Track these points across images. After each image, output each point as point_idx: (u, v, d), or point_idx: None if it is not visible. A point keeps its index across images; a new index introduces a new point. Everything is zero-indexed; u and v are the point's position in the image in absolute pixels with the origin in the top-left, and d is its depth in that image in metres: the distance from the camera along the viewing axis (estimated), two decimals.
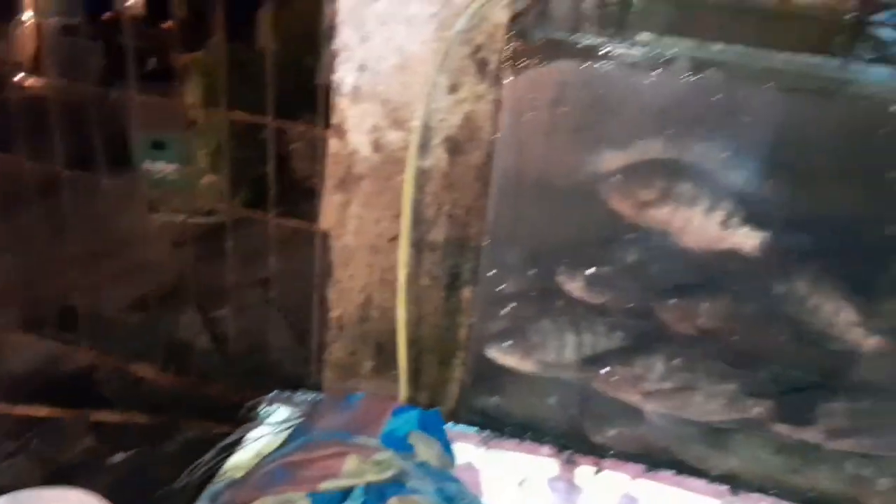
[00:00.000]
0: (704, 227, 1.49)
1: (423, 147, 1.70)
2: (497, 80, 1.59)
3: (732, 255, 1.43)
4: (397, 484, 1.27)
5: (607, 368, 1.59)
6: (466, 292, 1.87)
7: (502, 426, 1.74)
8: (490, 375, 1.81)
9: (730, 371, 1.47)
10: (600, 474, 1.60)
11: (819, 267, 1.39)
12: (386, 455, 1.39)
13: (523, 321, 1.74)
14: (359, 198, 1.81)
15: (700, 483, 1.55)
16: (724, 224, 1.47)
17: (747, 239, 1.47)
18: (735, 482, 1.55)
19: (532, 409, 1.76)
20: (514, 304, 1.72)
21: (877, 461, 1.44)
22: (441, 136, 1.69)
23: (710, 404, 1.50)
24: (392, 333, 1.90)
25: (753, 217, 1.47)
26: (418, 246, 1.82)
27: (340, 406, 1.59)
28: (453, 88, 1.63)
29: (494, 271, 1.75)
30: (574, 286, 1.58)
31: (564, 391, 1.74)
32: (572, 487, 1.55)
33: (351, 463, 1.30)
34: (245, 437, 1.62)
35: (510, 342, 1.73)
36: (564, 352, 1.72)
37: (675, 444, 1.57)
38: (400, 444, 1.50)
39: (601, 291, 1.56)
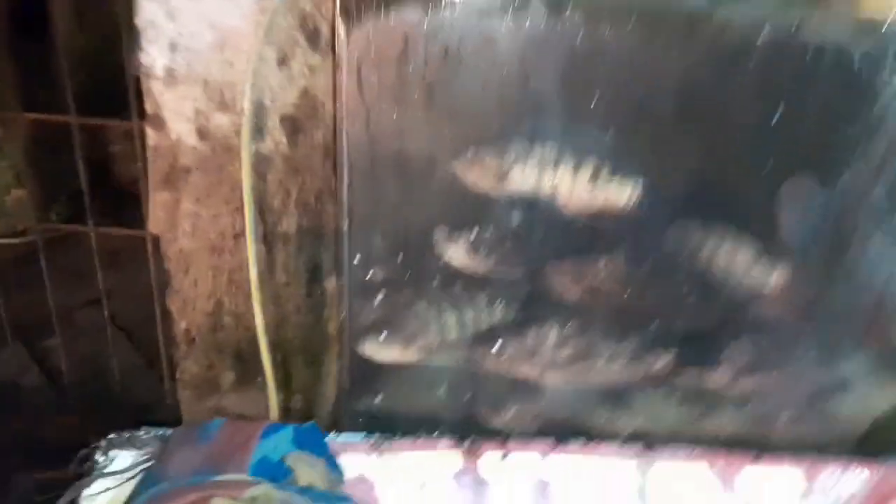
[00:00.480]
0: (575, 186, 1.38)
1: (259, 130, 1.47)
2: (331, 49, 1.39)
3: (610, 211, 1.34)
4: None
5: (497, 345, 1.46)
6: (330, 284, 1.68)
7: (392, 427, 1.57)
8: (370, 373, 1.63)
9: (627, 330, 1.39)
10: (507, 458, 1.47)
11: (704, 211, 1.33)
12: (260, 489, 1.19)
13: (398, 308, 1.57)
14: (189, 194, 1.55)
15: (612, 447, 1.47)
16: (594, 180, 1.37)
17: (620, 192, 1.38)
18: (647, 439, 1.49)
19: (422, 403, 1.60)
20: (385, 291, 1.55)
21: (777, 397, 1.43)
22: (277, 116, 1.48)
23: (611, 366, 1.42)
24: (252, 340, 1.68)
25: (622, 168, 1.38)
26: (268, 240, 1.60)
27: (196, 439, 1.35)
28: (283, 62, 1.41)
29: (359, 257, 1.57)
30: (454, 255, 1.42)
31: (454, 377, 1.59)
32: (479, 479, 1.42)
33: None
34: (79, 498, 1.34)
35: (387, 333, 1.56)
36: (448, 334, 1.57)
37: (580, 413, 1.48)
38: (276, 471, 1.29)
39: (482, 260, 1.41)
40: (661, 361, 1.41)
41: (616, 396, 1.51)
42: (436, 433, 1.54)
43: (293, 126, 1.49)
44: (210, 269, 1.65)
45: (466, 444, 1.51)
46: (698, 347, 1.36)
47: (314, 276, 1.67)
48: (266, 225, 1.58)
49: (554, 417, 1.52)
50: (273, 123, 1.47)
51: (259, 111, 1.45)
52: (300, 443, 1.33)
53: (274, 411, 1.71)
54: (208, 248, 1.62)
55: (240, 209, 1.57)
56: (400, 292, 1.62)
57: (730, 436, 1.51)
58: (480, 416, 1.57)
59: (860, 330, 1.41)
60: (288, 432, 1.34)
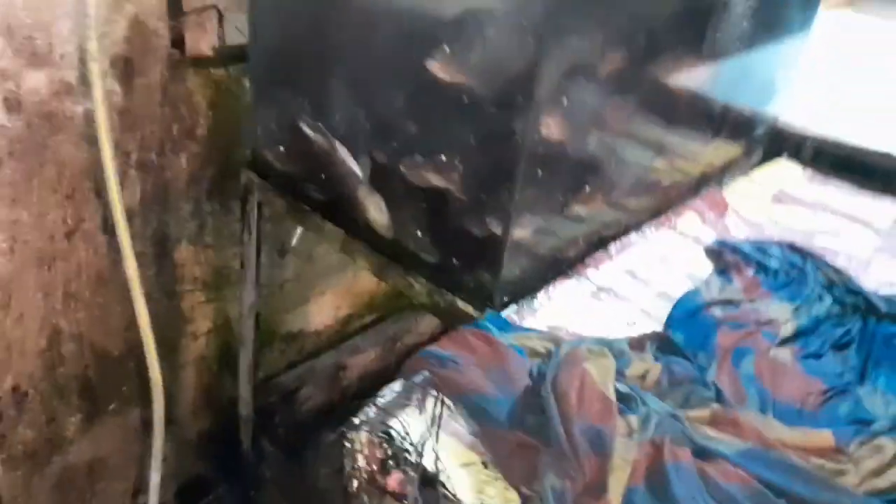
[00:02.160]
0: None
1: (84, 82, 1.16)
2: None
3: None
4: None
5: None
6: (181, 254, 1.45)
7: None
8: None
9: None
10: None
11: None
12: None
13: None
14: (1, 197, 1.14)
15: None
16: None
17: None
18: None
19: None
20: None
21: None
22: (106, 59, 1.18)
23: None
24: (102, 361, 1.38)
25: None
26: (108, 224, 1.29)
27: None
28: None
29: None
30: None
31: None
32: None
33: None
34: None
35: None
36: None
37: None
38: None
39: None
40: None
41: None
42: None
43: (126, 69, 1.21)
44: (39, 291, 1.25)
45: None
46: None
47: (163, 248, 1.41)
48: (105, 207, 1.27)
49: None
50: (102, 70, 1.17)
51: (82, 56, 1.14)
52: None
53: (160, 420, 1.44)
54: (34, 262, 1.22)
55: (72, 196, 1.23)
56: None
57: None
58: None
59: None
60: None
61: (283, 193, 1.31)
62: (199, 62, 1.32)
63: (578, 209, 1.16)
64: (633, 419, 0.79)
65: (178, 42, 1.28)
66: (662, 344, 0.98)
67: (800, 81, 1.75)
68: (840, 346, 1.11)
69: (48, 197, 1.19)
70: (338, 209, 1.22)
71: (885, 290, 1.25)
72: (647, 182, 1.34)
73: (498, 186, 0.97)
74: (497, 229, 1.00)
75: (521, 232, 1.01)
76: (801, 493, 0.75)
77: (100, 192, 1.24)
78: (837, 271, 1.28)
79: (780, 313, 1.16)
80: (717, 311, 1.10)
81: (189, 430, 1.63)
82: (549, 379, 0.80)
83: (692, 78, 1.31)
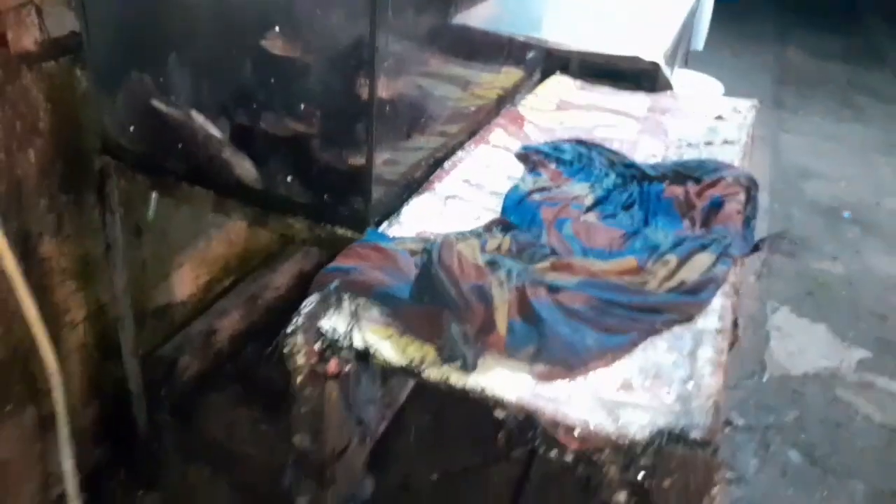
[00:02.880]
0: None
1: None
2: None
3: None
4: None
5: None
6: (47, 249, 1.49)
7: None
8: None
9: None
10: None
11: None
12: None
13: None
14: None
15: None
16: None
17: None
18: None
19: None
20: None
21: None
22: None
23: None
24: None
25: None
26: None
27: None
28: None
29: None
30: None
31: None
32: None
33: None
34: None
35: None
36: None
37: None
38: None
39: None
40: None
41: None
42: None
43: None
44: None
45: None
46: None
47: (27, 245, 1.45)
48: None
49: None
50: None
51: None
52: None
53: (62, 409, 1.49)
54: None
55: None
56: None
57: None
58: None
59: None
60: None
61: (142, 171, 1.41)
62: (27, 58, 1.36)
63: (417, 139, 1.40)
64: (501, 274, 1.06)
65: (3, 41, 1.31)
66: (504, 226, 1.26)
67: (558, 5, 2.11)
68: (627, 206, 1.47)
69: None
70: (203, 173, 1.35)
71: (651, 161, 1.63)
72: (462, 110, 1.61)
73: (357, 129, 1.18)
74: (361, 162, 1.20)
75: (381, 162, 1.23)
76: (622, 300, 1.07)
77: None
78: (615, 153, 1.64)
79: (581, 191, 1.49)
80: (536, 197, 1.39)
81: (83, 419, 1.68)
82: (434, 261, 1.03)
83: (480, 20, 1.59)
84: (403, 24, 1.21)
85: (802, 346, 2.63)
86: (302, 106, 1.22)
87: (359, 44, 1.12)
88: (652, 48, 2.00)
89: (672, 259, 1.18)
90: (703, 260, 1.19)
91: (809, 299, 2.88)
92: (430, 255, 1.05)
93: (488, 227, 1.25)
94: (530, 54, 2.00)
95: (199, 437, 1.91)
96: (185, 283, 1.92)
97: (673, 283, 1.14)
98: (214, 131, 1.31)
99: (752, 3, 6.68)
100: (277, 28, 1.18)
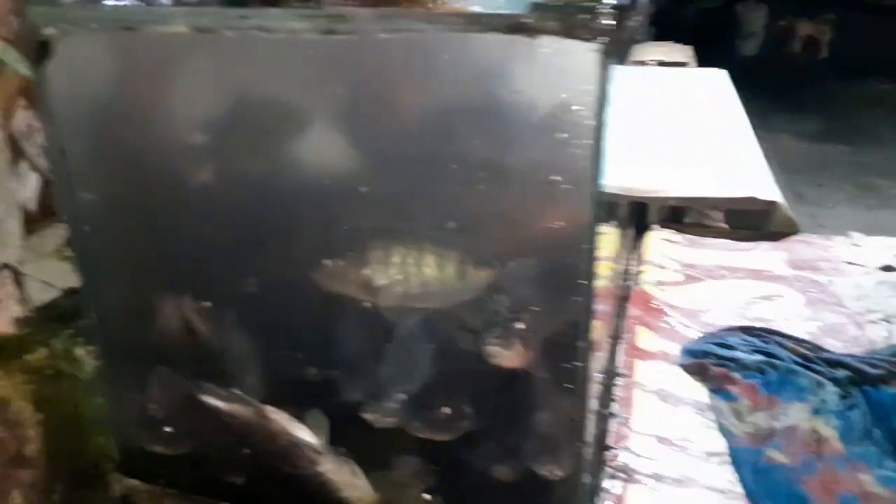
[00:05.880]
0: None
1: None
2: None
3: None
4: None
5: None
6: None
7: None
8: None
9: None
10: None
11: None
12: None
13: None
14: None
15: None
16: None
17: None
18: None
19: None
20: None
21: None
22: None
23: None
24: None
25: None
26: None
27: None
28: None
29: None
30: None
31: None
32: None
33: None
34: None
35: None
36: None
37: None
38: None
39: None
40: None
41: None
42: None
43: None
44: None
45: None
46: None
47: None
48: None
49: None
50: None
51: None
52: None
53: None
54: None
55: None
56: None
57: None
58: None
59: None
60: None
61: (186, 496, 0.94)
62: (5, 350, 0.91)
63: None
64: None
65: None
66: None
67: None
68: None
69: None
70: (287, 497, 0.89)
71: (845, 347, 1.24)
72: None
73: (559, 426, 0.74)
74: (560, 472, 0.76)
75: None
76: None
77: None
78: (799, 342, 1.24)
79: (801, 417, 1.07)
80: (777, 456, 0.97)
81: None
82: None
83: None
84: None
85: None
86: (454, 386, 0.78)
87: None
88: (752, 186, 1.62)
89: None
90: None
91: None
92: None
93: None
94: (619, 208, 1.62)
95: None
96: None
97: None
98: (304, 433, 0.86)
99: None
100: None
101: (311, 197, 0.79)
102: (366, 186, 0.75)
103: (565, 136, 0.67)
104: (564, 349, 0.73)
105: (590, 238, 0.70)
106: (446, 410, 0.78)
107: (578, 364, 0.73)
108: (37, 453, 0.93)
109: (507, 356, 0.74)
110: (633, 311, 1.33)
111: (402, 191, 0.75)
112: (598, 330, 0.79)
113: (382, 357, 0.79)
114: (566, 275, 0.71)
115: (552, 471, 0.76)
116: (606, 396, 1.10)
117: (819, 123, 6.58)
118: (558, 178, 0.68)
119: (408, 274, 0.77)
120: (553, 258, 0.72)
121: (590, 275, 0.71)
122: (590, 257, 0.70)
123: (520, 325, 0.74)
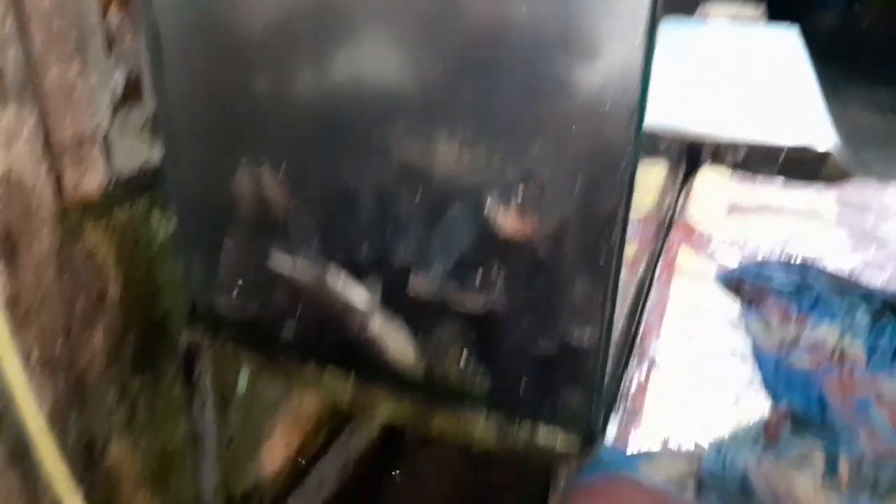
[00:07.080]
0: None
1: None
2: None
3: None
4: None
5: None
6: None
7: None
8: None
9: None
10: None
11: None
12: None
13: None
14: None
15: None
16: None
17: None
18: None
19: None
20: None
21: None
22: None
23: None
24: None
25: None
26: None
27: None
28: None
29: None
30: None
31: None
32: None
33: None
34: None
35: None
36: None
37: None
38: None
39: None
40: None
41: None
42: None
43: (6, 246, 0.88)
44: None
45: None
46: None
47: (91, 454, 1.07)
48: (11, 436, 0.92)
49: None
50: None
51: None
52: None
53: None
54: None
55: None
56: None
57: None
58: None
59: None
60: None
61: (249, 349, 1.03)
62: (92, 208, 1.01)
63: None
64: None
65: (56, 188, 0.97)
66: (793, 419, 0.87)
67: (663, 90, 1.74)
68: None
69: None
70: (339, 352, 0.98)
71: (881, 283, 1.25)
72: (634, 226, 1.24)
73: (586, 295, 0.80)
74: (587, 339, 0.82)
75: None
76: None
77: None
78: (836, 277, 1.26)
79: (831, 336, 1.11)
80: (797, 361, 1.01)
81: None
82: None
83: None
84: None
85: None
86: (495, 265, 0.85)
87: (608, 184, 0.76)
88: (808, 135, 1.62)
89: None
90: None
91: None
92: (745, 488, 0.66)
93: (774, 425, 0.86)
94: (672, 147, 1.64)
95: None
96: (276, 452, 1.52)
97: None
98: (358, 297, 0.94)
99: None
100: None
101: (387, 91, 0.85)
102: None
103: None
104: (598, 230, 0.79)
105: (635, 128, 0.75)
106: (486, 281, 0.85)
107: (612, 243, 0.79)
108: (117, 300, 1.04)
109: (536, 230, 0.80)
110: (675, 236, 1.37)
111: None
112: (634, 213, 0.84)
113: (432, 227, 0.86)
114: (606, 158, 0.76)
115: (581, 341, 0.83)
116: (640, 298, 1.16)
117: (893, 96, 6.31)
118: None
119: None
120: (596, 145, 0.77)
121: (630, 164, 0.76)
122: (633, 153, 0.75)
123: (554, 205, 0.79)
